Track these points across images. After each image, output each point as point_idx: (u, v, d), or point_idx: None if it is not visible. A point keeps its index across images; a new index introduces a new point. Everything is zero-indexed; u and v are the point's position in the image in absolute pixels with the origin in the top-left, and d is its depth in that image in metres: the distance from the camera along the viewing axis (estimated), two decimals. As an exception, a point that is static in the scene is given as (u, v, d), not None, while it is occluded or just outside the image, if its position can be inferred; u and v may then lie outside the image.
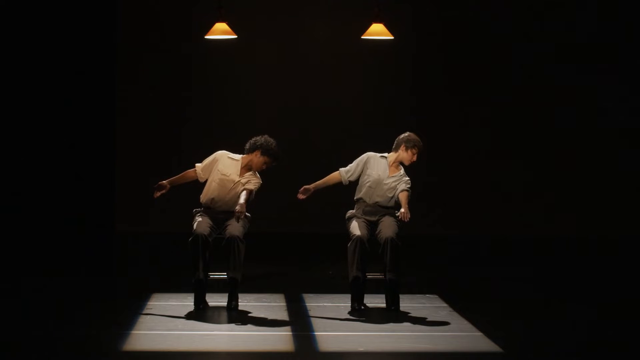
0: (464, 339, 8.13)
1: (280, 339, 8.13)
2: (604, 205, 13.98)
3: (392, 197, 9.22)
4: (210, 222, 9.11)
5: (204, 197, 9.28)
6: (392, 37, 10.80)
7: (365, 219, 9.20)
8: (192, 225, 9.12)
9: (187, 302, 9.25)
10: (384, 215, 9.19)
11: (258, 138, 9.27)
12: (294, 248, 13.19)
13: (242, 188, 9.18)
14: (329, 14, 13.94)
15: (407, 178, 9.25)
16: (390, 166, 9.26)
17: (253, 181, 9.25)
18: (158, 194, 9.15)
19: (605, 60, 13.98)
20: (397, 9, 13.09)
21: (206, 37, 10.74)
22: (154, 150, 13.76)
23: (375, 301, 9.33)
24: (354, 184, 9.31)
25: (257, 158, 9.26)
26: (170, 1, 13.86)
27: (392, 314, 8.97)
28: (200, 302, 9.08)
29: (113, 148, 13.35)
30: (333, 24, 13.88)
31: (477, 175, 13.98)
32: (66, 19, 12.91)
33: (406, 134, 9.26)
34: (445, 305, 9.44)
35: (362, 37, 10.91)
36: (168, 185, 9.17)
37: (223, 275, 9.18)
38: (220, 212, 9.21)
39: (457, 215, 13.97)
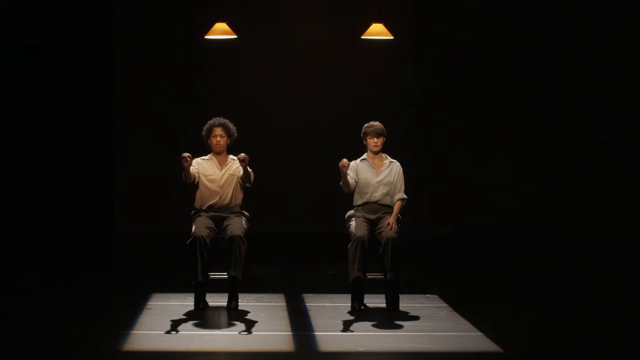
0: (464, 339, 8.13)
1: (280, 339, 8.13)
2: (606, 205, 13.96)
3: (387, 194, 9.25)
4: (209, 224, 9.12)
5: (199, 203, 9.30)
6: (392, 37, 10.80)
7: (365, 217, 9.21)
8: (191, 228, 9.13)
9: (187, 302, 9.26)
10: (384, 215, 9.20)
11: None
12: (294, 248, 13.19)
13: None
14: (328, 14, 13.94)
15: (397, 164, 9.34)
16: (373, 162, 9.31)
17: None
18: (188, 160, 9.05)
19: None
20: (397, 9, 13.09)
21: (206, 37, 10.73)
22: (154, 150, 13.76)
23: (375, 301, 9.33)
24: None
25: (208, 141, 9.36)
26: (170, 1, 13.86)
27: (392, 314, 8.97)
28: (200, 302, 9.09)
29: (113, 148, 13.35)
30: (333, 24, 13.88)
31: (478, 175, 13.97)
32: (66, 18, 12.91)
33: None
34: (445, 305, 9.45)
35: (362, 37, 10.91)
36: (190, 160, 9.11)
37: (223, 275, 9.18)
38: (219, 212, 9.23)
39: (458, 215, 13.96)
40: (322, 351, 7.73)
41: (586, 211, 13.97)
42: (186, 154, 9.01)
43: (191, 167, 9.13)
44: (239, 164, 9.28)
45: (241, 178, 9.25)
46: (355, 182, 9.27)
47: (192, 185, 9.27)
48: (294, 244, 13.35)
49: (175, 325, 8.46)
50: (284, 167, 13.80)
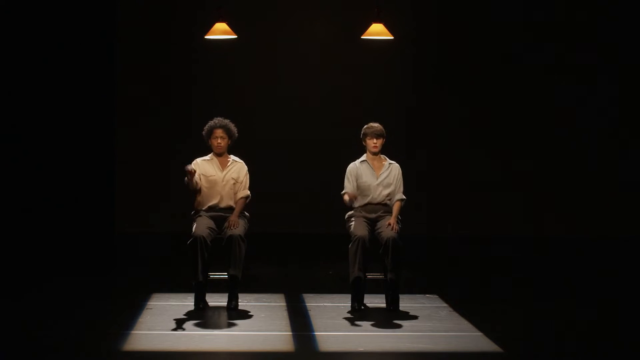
0: (464, 339, 8.13)
1: (280, 339, 8.13)
2: (606, 205, 13.96)
3: (388, 195, 9.27)
4: (210, 224, 9.12)
5: (200, 203, 9.30)
6: (392, 37, 10.80)
7: (365, 217, 9.22)
8: (192, 228, 9.12)
9: (187, 302, 9.26)
10: (383, 214, 9.21)
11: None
12: (294, 248, 13.19)
13: (239, 197, 9.23)
14: (328, 14, 13.94)
15: (397, 165, 9.35)
16: (372, 164, 9.33)
17: (243, 181, 9.28)
18: (192, 172, 9.09)
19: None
20: (397, 9, 13.09)
21: (206, 37, 10.73)
22: (154, 150, 13.76)
23: (375, 301, 9.33)
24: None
25: (209, 141, 9.35)
26: (170, 1, 13.86)
27: (392, 314, 8.97)
28: (200, 302, 9.09)
29: (113, 148, 13.34)
30: (333, 24, 13.88)
31: (478, 174, 13.97)
32: (66, 18, 12.90)
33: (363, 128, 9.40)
34: (445, 305, 9.45)
35: (362, 37, 10.91)
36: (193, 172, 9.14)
37: (223, 275, 9.18)
38: (219, 212, 9.23)
39: (458, 215, 13.96)
40: (322, 351, 7.73)
41: (586, 211, 13.96)
42: (190, 167, 9.01)
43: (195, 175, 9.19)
44: (240, 167, 9.31)
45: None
46: (357, 187, 9.29)
47: (196, 191, 9.27)
48: (294, 244, 13.34)
49: (175, 325, 8.46)
50: (284, 167, 13.80)
